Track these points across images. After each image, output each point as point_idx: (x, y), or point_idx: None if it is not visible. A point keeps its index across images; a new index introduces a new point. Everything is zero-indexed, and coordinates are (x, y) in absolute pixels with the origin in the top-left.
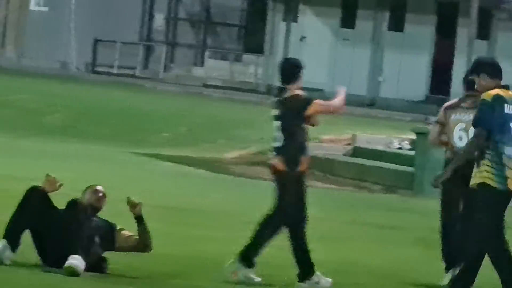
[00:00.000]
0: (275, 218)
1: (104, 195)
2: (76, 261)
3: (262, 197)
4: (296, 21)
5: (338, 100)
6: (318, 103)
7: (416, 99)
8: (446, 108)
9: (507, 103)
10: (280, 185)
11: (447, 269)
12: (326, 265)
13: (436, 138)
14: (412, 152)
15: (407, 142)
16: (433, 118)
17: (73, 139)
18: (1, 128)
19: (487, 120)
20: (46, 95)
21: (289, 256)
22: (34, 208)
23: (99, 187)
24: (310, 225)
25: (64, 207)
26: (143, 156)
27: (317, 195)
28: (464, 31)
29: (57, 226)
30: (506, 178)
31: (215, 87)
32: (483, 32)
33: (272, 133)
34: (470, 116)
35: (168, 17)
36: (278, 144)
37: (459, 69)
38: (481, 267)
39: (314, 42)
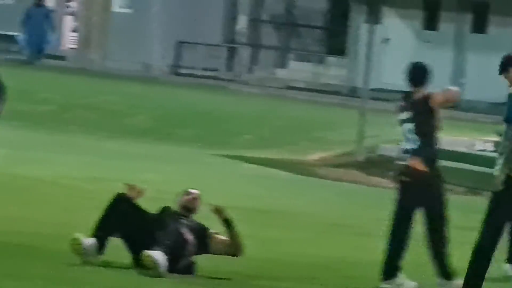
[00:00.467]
0: (440, 223)
1: (197, 197)
2: (155, 253)
3: (345, 199)
4: (379, 23)
5: (453, 88)
6: (436, 93)
7: (499, 101)
8: None
9: None
10: (424, 186)
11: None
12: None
13: None
14: (495, 154)
15: (490, 144)
16: None
17: (156, 141)
18: (84, 130)
19: None
20: (129, 97)
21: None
22: (121, 215)
23: (193, 190)
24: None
25: (156, 212)
26: (226, 158)
27: None
28: None
29: (146, 229)
30: None
31: (298, 89)
32: None
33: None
34: None
35: (251, 19)
36: (412, 146)
37: None
38: None
39: (396, 44)
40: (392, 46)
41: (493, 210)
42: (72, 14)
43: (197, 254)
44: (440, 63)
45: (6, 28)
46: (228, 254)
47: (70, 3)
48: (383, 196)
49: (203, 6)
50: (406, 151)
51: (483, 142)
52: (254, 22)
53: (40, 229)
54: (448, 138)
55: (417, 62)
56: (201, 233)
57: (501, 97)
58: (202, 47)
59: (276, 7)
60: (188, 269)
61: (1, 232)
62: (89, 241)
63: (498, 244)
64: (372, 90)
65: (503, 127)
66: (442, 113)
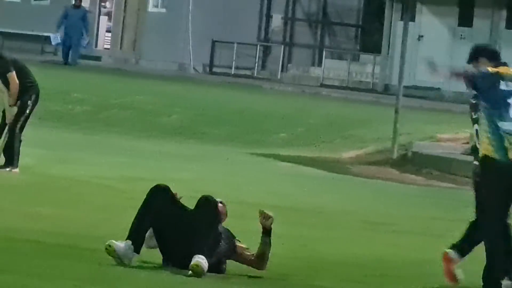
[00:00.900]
0: None
1: (225, 211)
2: (202, 260)
3: (379, 196)
4: (413, 20)
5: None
6: None
7: None
8: None
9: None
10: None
11: None
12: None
13: None
14: None
15: None
16: None
17: (191, 140)
18: (120, 129)
19: None
20: (164, 96)
21: None
22: (158, 207)
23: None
24: (426, 224)
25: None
26: (260, 157)
27: (435, 194)
28: None
29: (184, 225)
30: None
31: (332, 87)
32: None
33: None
34: None
35: (286, 17)
36: None
37: None
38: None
39: (431, 41)
40: (426, 43)
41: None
42: (107, 14)
43: (226, 257)
44: None
45: (42, 28)
46: (250, 265)
47: (105, 4)
48: (417, 193)
49: (238, 5)
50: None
51: None
52: (288, 20)
53: (75, 229)
54: None
55: None
56: (231, 238)
57: None
58: (237, 46)
59: (311, 5)
60: (218, 267)
61: (37, 231)
62: (122, 245)
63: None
64: (406, 87)
65: None
66: None
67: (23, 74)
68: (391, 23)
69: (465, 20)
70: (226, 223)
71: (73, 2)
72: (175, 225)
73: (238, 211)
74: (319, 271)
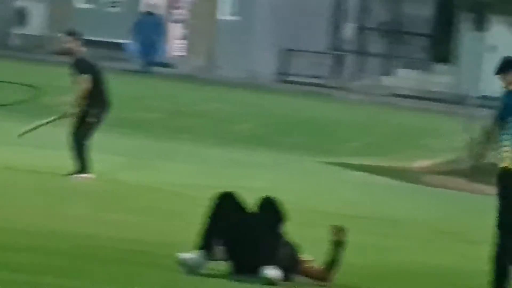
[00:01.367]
0: None
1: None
2: (273, 272)
3: (450, 206)
4: (485, 31)
5: None
6: None
7: None
8: None
9: None
10: None
11: None
12: None
13: None
14: None
15: None
16: None
17: (262, 148)
18: (192, 136)
19: None
20: (235, 104)
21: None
22: (224, 213)
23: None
24: None
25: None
26: (331, 166)
27: None
28: None
29: (249, 229)
30: None
31: (404, 96)
32: None
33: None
34: None
35: (358, 26)
36: None
37: None
38: None
39: (504, 52)
40: (499, 54)
41: None
42: (179, 21)
43: (289, 268)
44: None
45: (114, 36)
46: (314, 278)
47: (178, 11)
48: (488, 203)
49: (310, 13)
50: None
51: None
52: (361, 29)
53: (148, 236)
54: None
55: None
56: (293, 248)
57: None
58: (309, 55)
59: (382, 14)
60: (286, 276)
61: (111, 238)
62: (193, 256)
63: None
64: (478, 97)
65: None
66: None
67: (96, 84)
68: (463, 33)
69: None
70: (297, 232)
71: (146, 9)
72: (241, 230)
73: (309, 220)
74: (390, 281)
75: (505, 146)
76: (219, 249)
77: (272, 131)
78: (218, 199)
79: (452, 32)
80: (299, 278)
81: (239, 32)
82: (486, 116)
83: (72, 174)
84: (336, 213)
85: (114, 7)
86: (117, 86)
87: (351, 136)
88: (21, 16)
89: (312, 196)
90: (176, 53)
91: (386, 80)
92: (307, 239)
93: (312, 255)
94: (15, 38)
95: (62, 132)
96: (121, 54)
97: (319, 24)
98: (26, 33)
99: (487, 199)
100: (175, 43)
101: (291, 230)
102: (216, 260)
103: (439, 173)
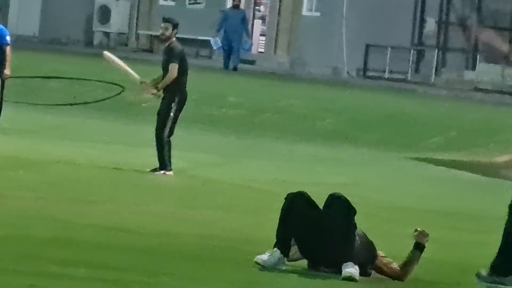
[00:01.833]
0: None
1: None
2: (353, 269)
3: None
4: None
5: None
6: None
7: None
8: None
9: None
10: None
11: None
12: None
13: None
14: None
15: None
16: None
17: (344, 144)
18: (274, 133)
19: None
20: (318, 100)
21: None
22: (299, 213)
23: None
24: None
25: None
26: (414, 161)
27: None
28: None
29: (323, 227)
30: None
31: (486, 91)
32: None
33: None
34: None
35: (439, 21)
36: None
37: None
38: None
39: None
40: None
41: None
42: (261, 18)
43: (366, 262)
44: None
45: (197, 32)
46: (390, 276)
47: (259, 7)
48: None
49: (392, 9)
50: None
51: None
52: (442, 24)
53: (230, 232)
54: None
55: None
56: (370, 246)
57: None
58: (391, 50)
59: (464, 9)
60: (364, 271)
61: (193, 235)
62: (271, 257)
63: None
64: None
65: None
66: None
67: (182, 74)
68: None
69: None
70: (380, 227)
71: (232, 3)
72: (315, 229)
73: (391, 216)
74: (472, 277)
75: None
76: (295, 249)
77: (354, 127)
78: (289, 200)
79: None
80: (376, 274)
81: (321, 28)
82: None
83: (155, 171)
84: (418, 209)
85: (197, 3)
86: (199, 83)
87: (433, 131)
88: (104, 14)
89: (394, 191)
90: (258, 50)
91: (468, 75)
92: (388, 234)
93: (394, 250)
94: (98, 36)
95: (146, 130)
96: (204, 51)
97: (401, 19)
98: (108, 31)
99: None
100: (258, 40)
101: (373, 225)
102: (293, 260)
103: None
